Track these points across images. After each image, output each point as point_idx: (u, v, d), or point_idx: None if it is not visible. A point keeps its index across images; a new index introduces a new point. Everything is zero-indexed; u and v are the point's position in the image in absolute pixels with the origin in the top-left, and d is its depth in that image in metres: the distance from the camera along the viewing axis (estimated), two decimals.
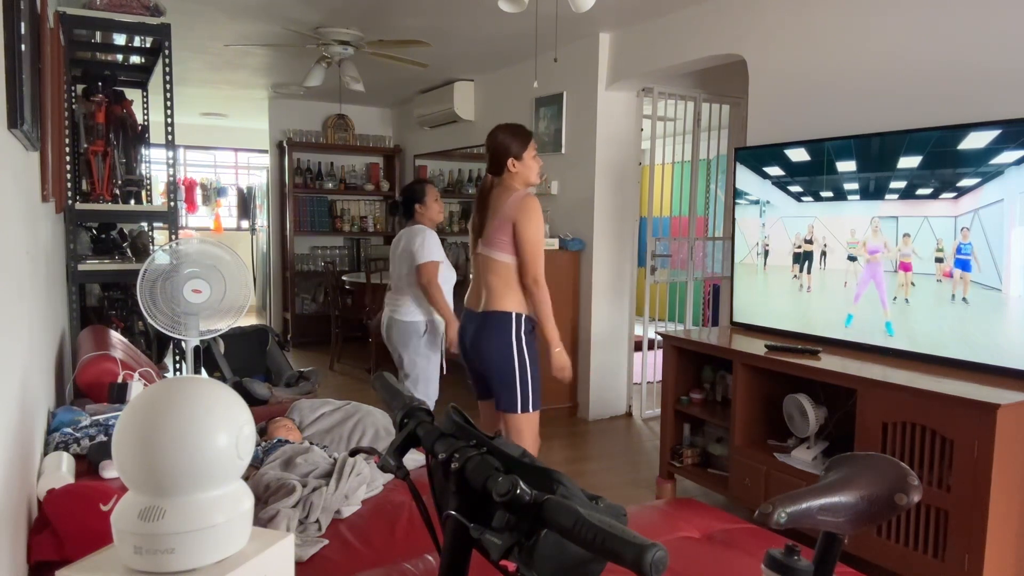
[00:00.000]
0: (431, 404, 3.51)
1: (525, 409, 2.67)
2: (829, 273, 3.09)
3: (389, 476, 2.29)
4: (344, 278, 6.53)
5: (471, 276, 2.84)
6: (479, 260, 2.73)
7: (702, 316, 6.06)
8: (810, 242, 3.18)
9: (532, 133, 2.77)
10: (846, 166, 2.99)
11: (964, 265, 2.59)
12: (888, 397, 2.47)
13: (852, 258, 2.99)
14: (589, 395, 4.87)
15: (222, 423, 1.03)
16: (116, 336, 3.44)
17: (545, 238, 2.74)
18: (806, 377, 2.78)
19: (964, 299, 2.58)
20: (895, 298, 2.82)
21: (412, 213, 3.58)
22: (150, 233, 4.74)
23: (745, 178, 3.47)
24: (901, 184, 2.78)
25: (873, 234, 2.90)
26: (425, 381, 3.53)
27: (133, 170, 4.41)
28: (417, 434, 1.00)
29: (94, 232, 4.54)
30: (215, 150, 9.73)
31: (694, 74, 4.81)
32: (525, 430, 2.70)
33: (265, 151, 8.11)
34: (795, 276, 3.27)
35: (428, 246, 3.44)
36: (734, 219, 3.58)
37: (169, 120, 3.59)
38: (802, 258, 3.23)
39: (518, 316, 2.65)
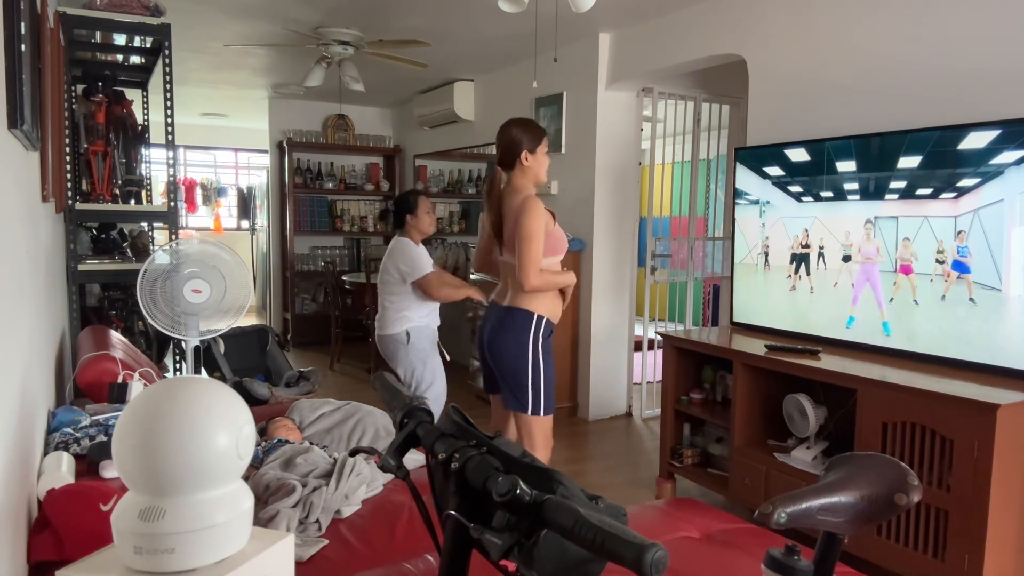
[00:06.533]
0: (441, 405, 3.49)
1: (536, 412, 2.62)
2: (830, 273, 3.09)
3: (389, 476, 2.29)
4: (344, 278, 6.53)
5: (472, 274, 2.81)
6: (505, 267, 2.70)
7: (702, 316, 6.06)
8: (807, 246, 3.18)
9: (545, 130, 2.72)
10: (846, 166, 2.99)
11: (962, 268, 2.59)
12: (888, 397, 2.47)
13: (847, 258, 2.99)
14: (589, 395, 4.87)
15: (222, 423, 1.03)
16: (116, 336, 3.43)
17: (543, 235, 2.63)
18: (806, 377, 2.77)
19: (971, 299, 2.58)
20: (892, 299, 2.82)
21: (402, 223, 3.51)
22: (150, 233, 4.75)
23: (745, 178, 3.47)
24: (901, 184, 2.78)
25: (868, 238, 2.90)
26: (429, 385, 3.48)
27: (133, 170, 4.41)
28: (417, 434, 1.00)
29: (94, 232, 4.54)
30: (215, 150, 9.73)
31: (694, 74, 4.81)
32: (536, 432, 2.65)
33: (265, 151, 8.11)
34: (788, 276, 3.27)
35: (418, 263, 3.40)
36: (734, 219, 3.58)
37: (169, 120, 3.59)
38: (797, 259, 3.23)
39: (539, 318, 2.60)
